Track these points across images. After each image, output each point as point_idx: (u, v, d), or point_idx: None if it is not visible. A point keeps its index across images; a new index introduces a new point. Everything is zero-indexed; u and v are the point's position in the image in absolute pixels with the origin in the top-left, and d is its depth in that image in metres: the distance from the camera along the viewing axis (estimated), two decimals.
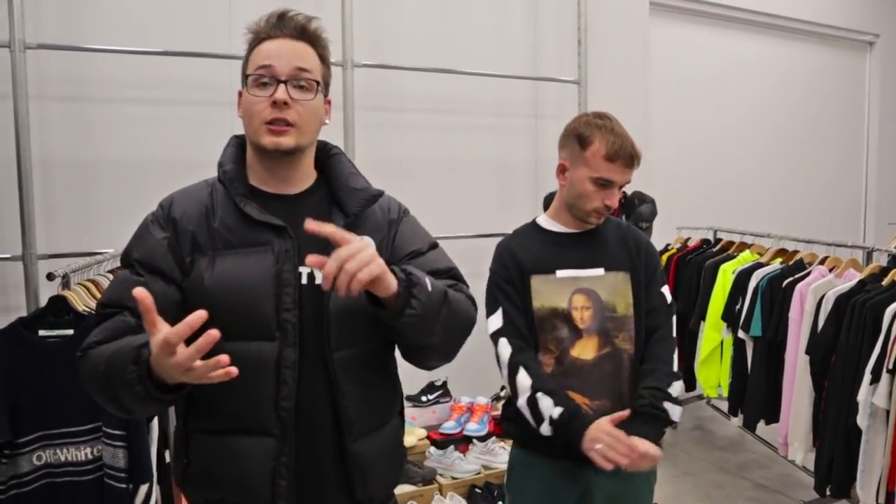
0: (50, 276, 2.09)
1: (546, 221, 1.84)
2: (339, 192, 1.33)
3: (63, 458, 1.97)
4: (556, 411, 1.62)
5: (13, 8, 2.60)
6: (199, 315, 0.98)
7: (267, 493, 1.22)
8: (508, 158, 4.10)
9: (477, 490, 3.06)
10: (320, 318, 1.23)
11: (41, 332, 1.96)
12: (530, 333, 1.73)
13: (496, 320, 1.74)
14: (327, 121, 1.33)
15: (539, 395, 1.65)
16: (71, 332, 1.96)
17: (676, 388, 1.73)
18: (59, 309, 1.99)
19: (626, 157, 1.68)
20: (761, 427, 3.38)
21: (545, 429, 1.64)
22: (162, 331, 0.99)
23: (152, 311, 1.00)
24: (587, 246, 1.78)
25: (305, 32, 1.27)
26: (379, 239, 1.32)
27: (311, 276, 1.25)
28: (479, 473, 3.14)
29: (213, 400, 1.22)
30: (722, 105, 5.38)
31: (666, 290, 1.84)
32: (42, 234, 2.78)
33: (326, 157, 1.38)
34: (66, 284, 2.11)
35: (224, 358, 1.01)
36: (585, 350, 1.71)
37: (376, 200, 1.36)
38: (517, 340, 1.71)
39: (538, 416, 1.64)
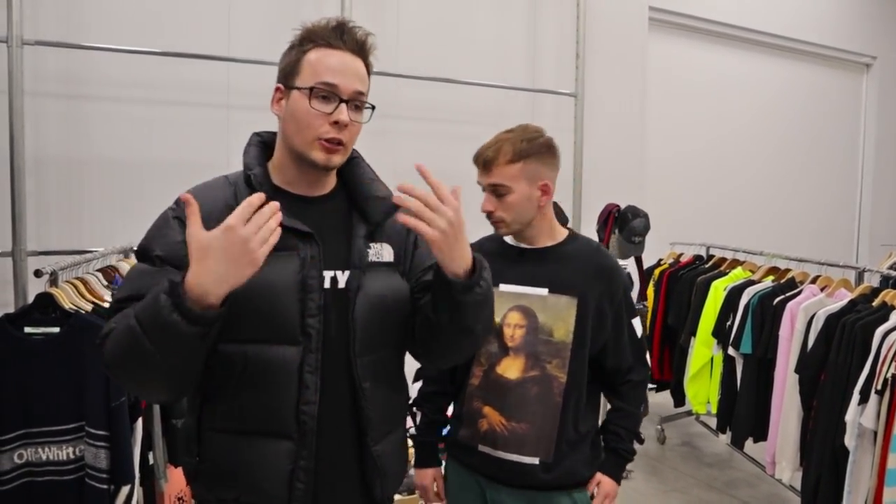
0: (38, 273, 2.07)
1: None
2: (361, 199, 1.34)
3: (44, 458, 1.96)
4: (414, 429, 1.84)
5: (12, 4, 2.61)
6: (259, 196, 1.03)
7: (283, 495, 1.22)
8: None
9: None
10: (345, 324, 1.25)
11: (27, 330, 1.95)
12: None
13: None
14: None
15: (415, 409, 1.90)
16: (57, 329, 1.95)
17: None
18: (45, 306, 1.98)
19: (476, 158, 1.69)
20: (749, 445, 3.37)
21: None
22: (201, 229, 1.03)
23: (197, 214, 1.03)
24: (537, 263, 1.69)
25: (363, 49, 1.28)
26: (398, 247, 1.36)
27: (333, 280, 1.26)
28: None
29: (233, 401, 1.21)
30: (718, 122, 5.41)
31: (637, 322, 1.75)
32: (33, 230, 2.77)
33: (346, 161, 1.37)
34: (53, 282, 2.10)
35: (275, 204, 1.04)
36: (510, 369, 1.66)
37: (398, 209, 1.35)
38: None
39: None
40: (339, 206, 1.34)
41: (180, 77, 3.17)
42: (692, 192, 5.27)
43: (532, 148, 1.66)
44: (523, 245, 1.73)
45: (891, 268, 4.59)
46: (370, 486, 1.31)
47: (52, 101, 2.93)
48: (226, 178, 1.31)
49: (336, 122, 1.23)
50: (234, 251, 1.02)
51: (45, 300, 1.98)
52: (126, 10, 3.06)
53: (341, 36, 1.25)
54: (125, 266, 2.59)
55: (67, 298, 2.05)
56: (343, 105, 1.23)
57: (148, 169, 3.12)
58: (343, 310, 1.25)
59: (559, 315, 1.64)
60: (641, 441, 1.81)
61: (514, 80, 4.11)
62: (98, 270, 2.42)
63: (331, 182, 1.36)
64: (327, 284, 1.25)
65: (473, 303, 1.19)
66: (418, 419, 1.87)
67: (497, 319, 1.66)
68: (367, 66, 1.30)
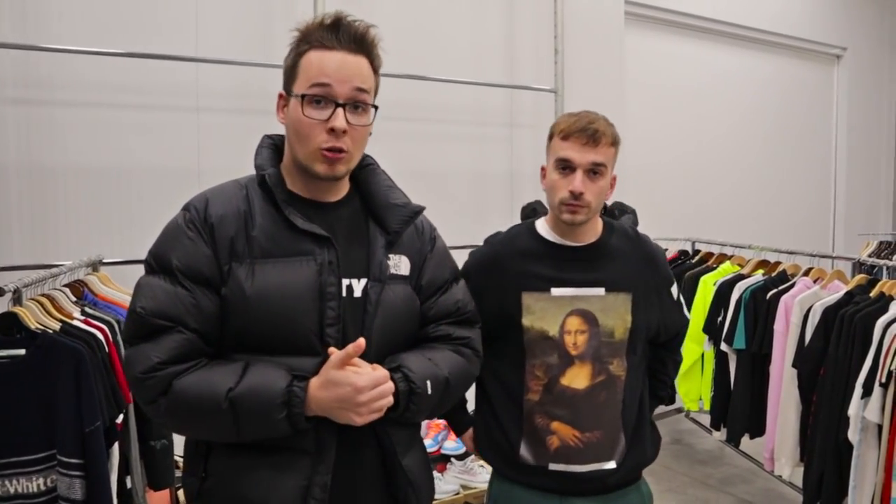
0: (0, 291, 1.92)
1: (545, 229, 1.64)
2: (377, 206, 1.29)
3: (12, 491, 1.81)
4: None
5: None
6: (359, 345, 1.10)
7: None
8: (483, 168, 4.01)
9: None
10: (361, 333, 1.19)
11: None
12: (519, 354, 1.58)
13: None
14: (371, 131, 1.25)
15: None
16: (22, 351, 1.80)
17: None
18: (9, 327, 1.83)
19: (581, 131, 1.49)
20: (742, 440, 3.32)
21: None
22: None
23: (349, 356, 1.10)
24: (588, 261, 1.59)
25: (363, 44, 1.20)
26: (411, 258, 1.32)
27: (349, 289, 1.21)
28: (457, 494, 3.03)
29: None
30: (696, 114, 5.38)
31: (674, 289, 1.74)
32: None
33: (359, 167, 1.31)
34: (17, 300, 1.95)
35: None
36: (577, 378, 1.55)
37: (417, 217, 1.33)
38: None
39: None
40: (354, 212, 1.29)
41: (146, 79, 3.02)
42: (671, 186, 5.22)
43: (617, 137, 1.57)
44: (568, 242, 1.61)
45: (870, 255, 4.60)
46: (404, 501, 1.27)
47: (9, 106, 2.76)
48: (236, 181, 1.26)
49: (333, 130, 1.15)
50: (347, 405, 1.10)
51: (9, 320, 1.84)
52: (86, 10, 2.90)
53: (336, 34, 1.17)
54: (94, 280, 2.45)
55: (33, 317, 1.90)
56: (340, 110, 1.16)
57: (114, 175, 2.97)
58: (358, 320, 1.20)
59: (617, 314, 1.57)
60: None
61: (492, 77, 4.02)
62: (65, 286, 2.27)
63: (344, 187, 1.30)
64: (344, 293, 1.19)
65: (413, 417, 1.23)
66: None
67: (555, 328, 1.55)
68: (373, 61, 1.22)
